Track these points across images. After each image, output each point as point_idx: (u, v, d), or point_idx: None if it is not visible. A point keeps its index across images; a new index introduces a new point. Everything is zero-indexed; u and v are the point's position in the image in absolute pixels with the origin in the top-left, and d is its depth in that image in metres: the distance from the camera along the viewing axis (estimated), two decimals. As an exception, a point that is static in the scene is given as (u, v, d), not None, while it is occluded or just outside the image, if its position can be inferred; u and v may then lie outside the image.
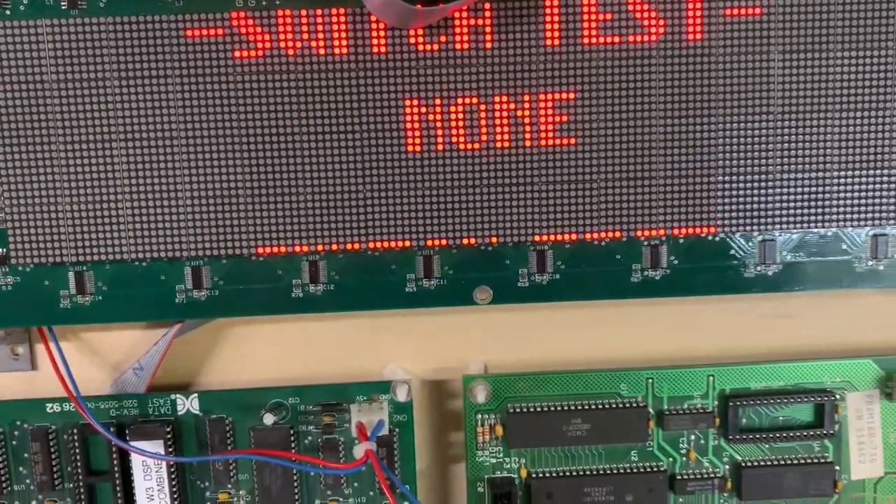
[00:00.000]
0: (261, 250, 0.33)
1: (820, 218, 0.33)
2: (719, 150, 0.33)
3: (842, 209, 0.33)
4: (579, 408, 0.36)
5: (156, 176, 0.32)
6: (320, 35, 0.32)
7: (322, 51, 0.32)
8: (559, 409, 0.36)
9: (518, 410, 0.36)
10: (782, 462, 0.36)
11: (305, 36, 0.32)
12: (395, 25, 0.32)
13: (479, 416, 0.36)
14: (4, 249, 0.33)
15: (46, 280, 0.33)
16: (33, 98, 0.32)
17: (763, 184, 0.33)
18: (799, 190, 0.33)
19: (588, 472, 0.36)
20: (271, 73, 0.32)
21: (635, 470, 0.36)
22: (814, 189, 0.33)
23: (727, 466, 0.37)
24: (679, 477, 0.36)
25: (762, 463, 0.36)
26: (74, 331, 0.36)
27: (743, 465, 0.36)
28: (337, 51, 0.32)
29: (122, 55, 0.32)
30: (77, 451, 0.35)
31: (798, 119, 0.33)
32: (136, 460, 0.35)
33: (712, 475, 0.36)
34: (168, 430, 0.35)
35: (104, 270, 0.33)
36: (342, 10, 0.32)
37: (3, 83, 0.32)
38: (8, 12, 0.31)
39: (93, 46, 0.32)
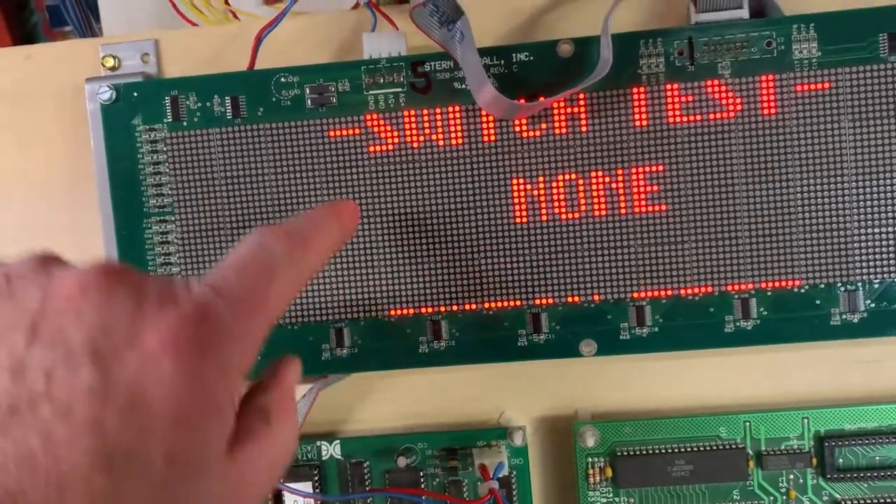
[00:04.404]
0: (393, 313, 0.38)
1: (898, 268, 0.35)
2: (798, 210, 0.35)
3: (919, 259, 0.35)
4: (682, 450, 0.38)
5: (305, 253, 0.38)
6: (439, 129, 0.37)
7: (441, 142, 0.37)
8: (663, 451, 0.38)
9: (625, 454, 0.39)
10: (883, 501, 0.38)
11: (427, 131, 0.37)
12: (503, 118, 0.36)
13: (589, 459, 0.39)
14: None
15: (214, 343, 0.39)
16: (207, 191, 0.38)
17: (841, 238, 0.35)
18: (875, 242, 0.35)
19: (693, 511, 0.39)
20: (400, 164, 0.37)
21: (738, 508, 0.39)
22: (889, 241, 0.35)
23: (828, 505, 0.38)
24: (781, 515, 0.38)
25: (862, 502, 0.38)
26: (233, 387, 0.42)
27: (843, 503, 0.38)
28: (454, 141, 0.37)
29: (278, 153, 0.37)
30: (238, 491, 0.40)
31: (870, 178, 0.35)
32: (288, 499, 0.40)
33: (814, 513, 0.38)
34: (315, 472, 0.40)
35: (262, 334, 0.39)
36: (457, 108, 0.36)
37: (184, 180, 0.38)
38: (185, 123, 0.38)
39: (253, 147, 0.37)
